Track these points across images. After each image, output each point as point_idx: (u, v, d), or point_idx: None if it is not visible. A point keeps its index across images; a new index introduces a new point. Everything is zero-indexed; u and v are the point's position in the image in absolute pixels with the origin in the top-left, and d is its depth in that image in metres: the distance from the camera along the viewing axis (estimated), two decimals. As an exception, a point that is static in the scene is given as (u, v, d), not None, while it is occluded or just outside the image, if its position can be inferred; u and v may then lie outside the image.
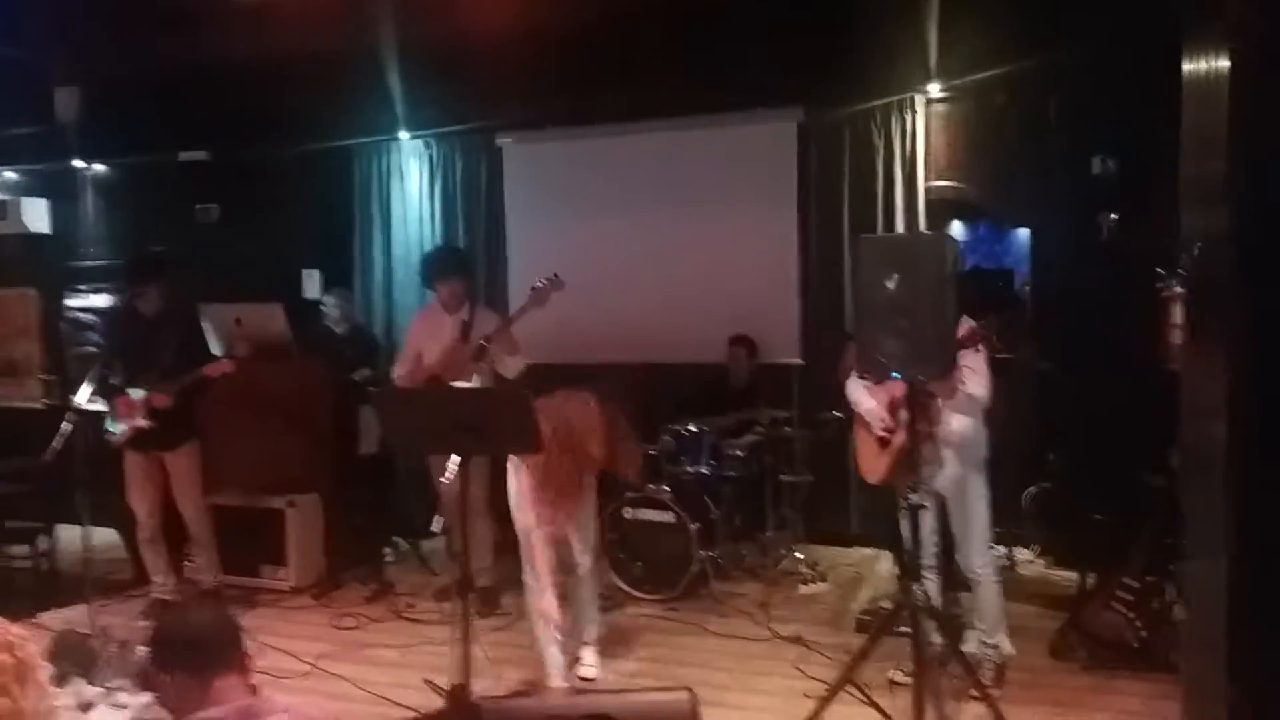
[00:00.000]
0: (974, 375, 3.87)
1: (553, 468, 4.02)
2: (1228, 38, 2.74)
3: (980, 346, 3.81)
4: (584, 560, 4.36)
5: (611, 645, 4.74)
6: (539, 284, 4.89)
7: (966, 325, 3.85)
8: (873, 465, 4.19)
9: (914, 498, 3.64)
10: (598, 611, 4.54)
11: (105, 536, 6.13)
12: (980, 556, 4.08)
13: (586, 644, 4.45)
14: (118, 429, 5.09)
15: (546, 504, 4.09)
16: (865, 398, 4.17)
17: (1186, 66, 3.13)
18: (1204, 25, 2.98)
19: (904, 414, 3.89)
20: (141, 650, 3.68)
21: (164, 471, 5.24)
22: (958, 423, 3.96)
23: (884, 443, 4.07)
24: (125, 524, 5.95)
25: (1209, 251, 2.80)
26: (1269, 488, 2.58)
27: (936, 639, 3.66)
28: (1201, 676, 2.79)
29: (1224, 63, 2.75)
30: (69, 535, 5.62)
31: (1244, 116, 2.67)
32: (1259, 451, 2.68)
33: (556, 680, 4.17)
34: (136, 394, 5.03)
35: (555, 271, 4.91)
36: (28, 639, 1.75)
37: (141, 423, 5.04)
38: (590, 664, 4.40)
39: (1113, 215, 4.95)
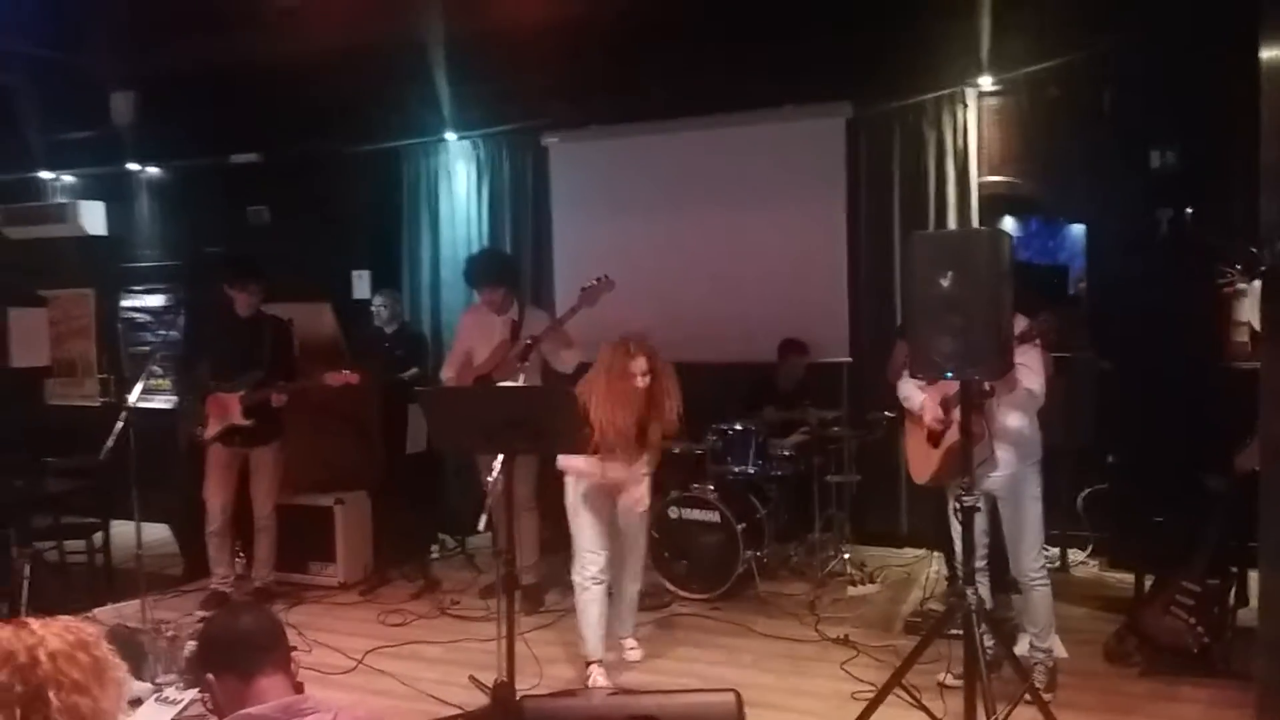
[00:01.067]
0: (1029, 372, 3.78)
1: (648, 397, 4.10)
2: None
3: (1037, 342, 3.72)
4: (634, 564, 4.40)
5: (656, 644, 4.72)
6: (590, 284, 4.87)
7: (1022, 322, 3.76)
8: (923, 465, 4.11)
9: (966, 498, 3.56)
10: (635, 610, 4.59)
11: (157, 532, 6.25)
12: (1032, 559, 3.98)
13: (625, 637, 4.51)
14: (210, 426, 5.22)
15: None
16: (917, 394, 4.09)
17: (1265, 54, 3.03)
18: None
19: (957, 412, 3.82)
20: (191, 646, 3.73)
21: (244, 467, 5.37)
22: (1014, 420, 3.87)
23: (935, 441, 3.98)
24: (177, 519, 6.06)
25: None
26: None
27: (989, 642, 3.58)
28: (1276, 682, 2.69)
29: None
30: (122, 531, 5.71)
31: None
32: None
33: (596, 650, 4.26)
34: (232, 394, 5.16)
35: (605, 273, 4.89)
36: (101, 637, 1.75)
37: (240, 421, 5.16)
38: (633, 647, 4.50)
39: (1171, 210, 4.82)
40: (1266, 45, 2.80)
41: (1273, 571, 2.72)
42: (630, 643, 4.55)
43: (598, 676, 4.21)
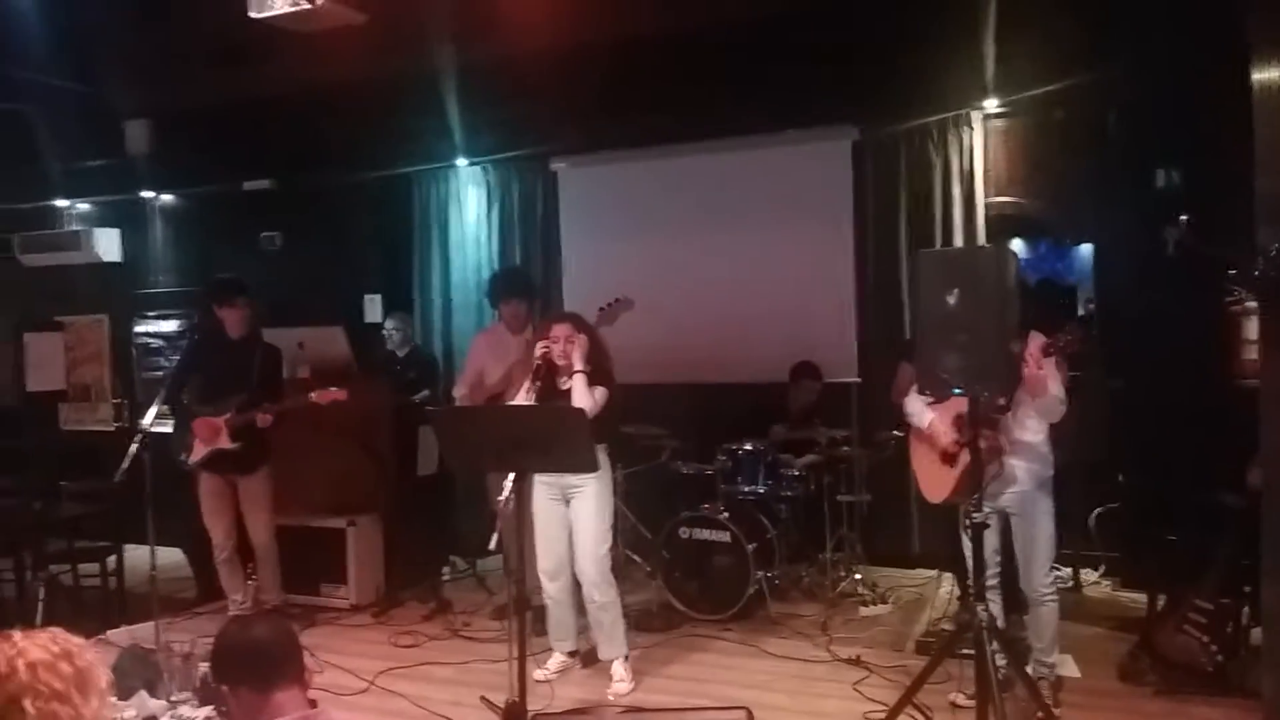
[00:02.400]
0: (1051, 380, 3.79)
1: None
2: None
3: (1058, 356, 3.73)
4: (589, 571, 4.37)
5: (667, 664, 4.71)
6: (607, 305, 4.89)
7: (1037, 340, 3.78)
8: (936, 485, 4.11)
9: (977, 515, 3.57)
10: (622, 630, 4.49)
11: (170, 556, 6.27)
12: (1043, 575, 3.98)
13: (612, 659, 4.45)
14: (196, 451, 5.21)
15: None
16: (925, 412, 4.10)
17: (1256, 77, 3.06)
18: (1272, 35, 2.91)
19: (970, 430, 3.83)
20: (205, 665, 3.74)
21: (236, 494, 5.36)
22: (1029, 435, 3.89)
23: (950, 460, 3.99)
24: (190, 544, 6.09)
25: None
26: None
27: (1001, 661, 3.57)
28: (1283, 699, 2.68)
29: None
30: (136, 555, 5.74)
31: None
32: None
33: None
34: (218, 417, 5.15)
35: (623, 293, 4.92)
36: (86, 647, 1.77)
37: (228, 444, 5.14)
38: (620, 679, 4.39)
39: (1173, 228, 4.84)
40: (1257, 69, 2.83)
41: (1275, 589, 2.71)
42: (617, 671, 4.43)
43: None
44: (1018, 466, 3.90)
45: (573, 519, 4.43)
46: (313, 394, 5.07)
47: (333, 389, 5.05)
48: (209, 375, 5.35)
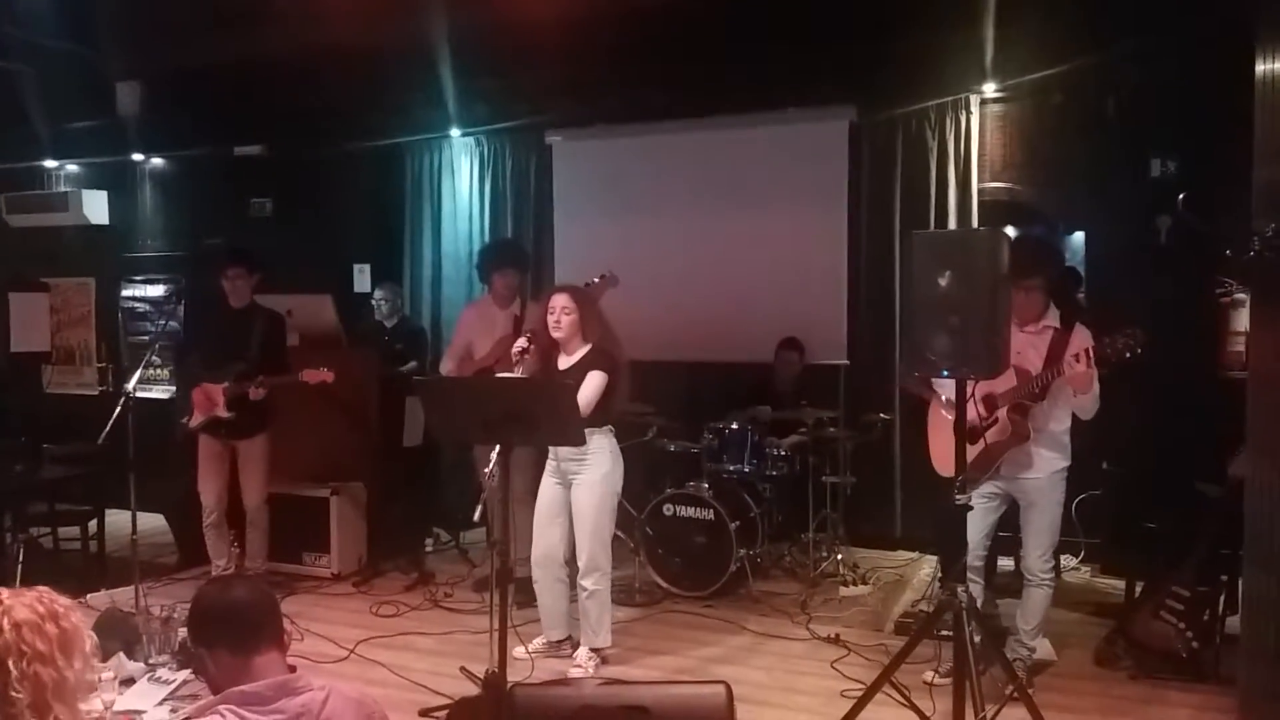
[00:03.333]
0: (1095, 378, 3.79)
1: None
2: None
3: (1121, 358, 3.65)
4: (581, 555, 4.34)
5: (648, 639, 4.73)
6: (593, 280, 4.86)
7: (1083, 335, 3.75)
8: (949, 458, 4.09)
9: (960, 498, 3.57)
10: (607, 624, 4.43)
11: (153, 521, 6.26)
12: (1045, 559, 4.00)
13: (594, 649, 4.42)
14: (195, 417, 5.20)
15: None
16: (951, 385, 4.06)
17: (1259, 68, 3.04)
18: (1275, 24, 2.89)
19: (1002, 412, 3.83)
20: (184, 629, 3.73)
21: (234, 459, 5.35)
22: (1057, 425, 3.90)
23: (975, 437, 3.93)
24: (173, 508, 6.07)
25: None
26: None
27: (978, 641, 3.59)
28: (1260, 687, 2.70)
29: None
30: (117, 520, 5.72)
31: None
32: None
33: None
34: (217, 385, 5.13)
35: (609, 269, 4.89)
36: (72, 608, 1.76)
37: (223, 413, 5.14)
38: (580, 662, 4.36)
39: (1165, 217, 4.83)
40: (1261, 59, 2.81)
41: (1257, 577, 2.73)
42: (582, 655, 4.38)
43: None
44: (1039, 455, 3.91)
45: (573, 504, 4.38)
46: (304, 373, 5.03)
47: (323, 369, 5.00)
48: (210, 344, 5.32)
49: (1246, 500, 2.80)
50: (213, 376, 5.17)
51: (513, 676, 3.69)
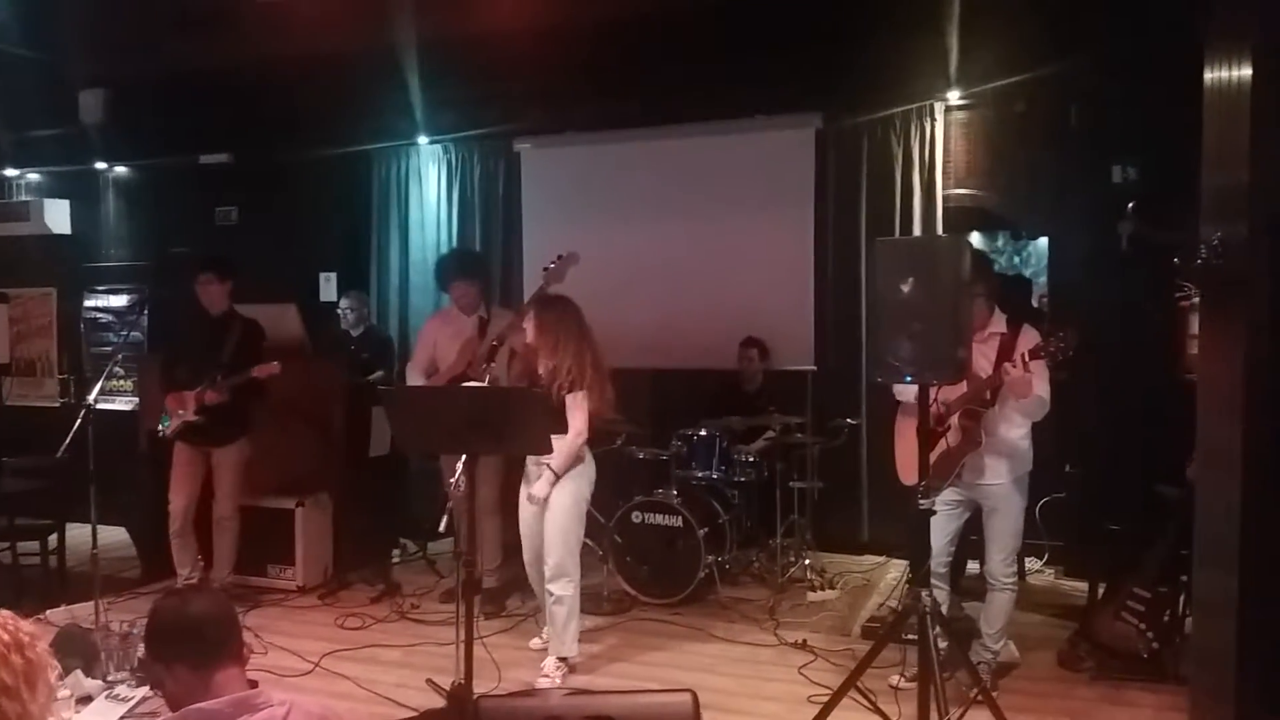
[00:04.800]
0: (1039, 380, 3.82)
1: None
2: (1252, 46, 2.69)
3: (1051, 360, 3.73)
4: (550, 564, 4.31)
5: (617, 649, 4.72)
6: (551, 263, 4.81)
7: (1030, 333, 3.79)
8: (914, 467, 4.12)
9: (923, 503, 3.60)
10: (573, 631, 4.39)
11: (115, 535, 6.18)
12: (1007, 563, 4.03)
13: (560, 657, 4.38)
14: (167, 424, 5.18)
15: None
16: (912, 388, 4.08)
17: (1208, 75, 3.08)
18: (1224, 34, 2.94)
19: (955, 418, 3.85)
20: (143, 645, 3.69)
21: (208, 466, 5.31)
22: (1013, 431, 3.92)
23: (934, 440, 3.96)
24: (135, 521, 5.99)
25: (1227, 254, 2.75)
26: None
27: (943, 645, 3.61)
28: (1209, 688, 2.74)
29: (1246, 72, 2.70)
30: (79, 534, 5.63)
31: (1267, 126, 2.63)
32: (1274, 459, 2.63)
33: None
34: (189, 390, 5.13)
35: (569, 249, 4.84)
36: (39, 637, 1.71)
37: (192, 417, 5.12)
38: (548, 673, 4.32)
39: (1126, 222, 4.89)
40: (1209, 67, 2.85)
41: (1207, 578, 2.77)
42: (549, 665, 4.33)
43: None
44: (997, 461, 3.93)
45: (546, 509, 4.37)
46: (254, 369, 5.03)
47: (272, 363, 5.03)
48: (186, 351, 5.31)
49: (1197, 502, 2.84)
50: (188, 383, 5.15)
51: (479, 688, 3.67)
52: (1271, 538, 2.57)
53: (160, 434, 5.24)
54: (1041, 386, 3.81)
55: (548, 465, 4.26)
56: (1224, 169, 2.73)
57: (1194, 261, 2.78)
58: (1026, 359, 3.65)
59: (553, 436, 4.22)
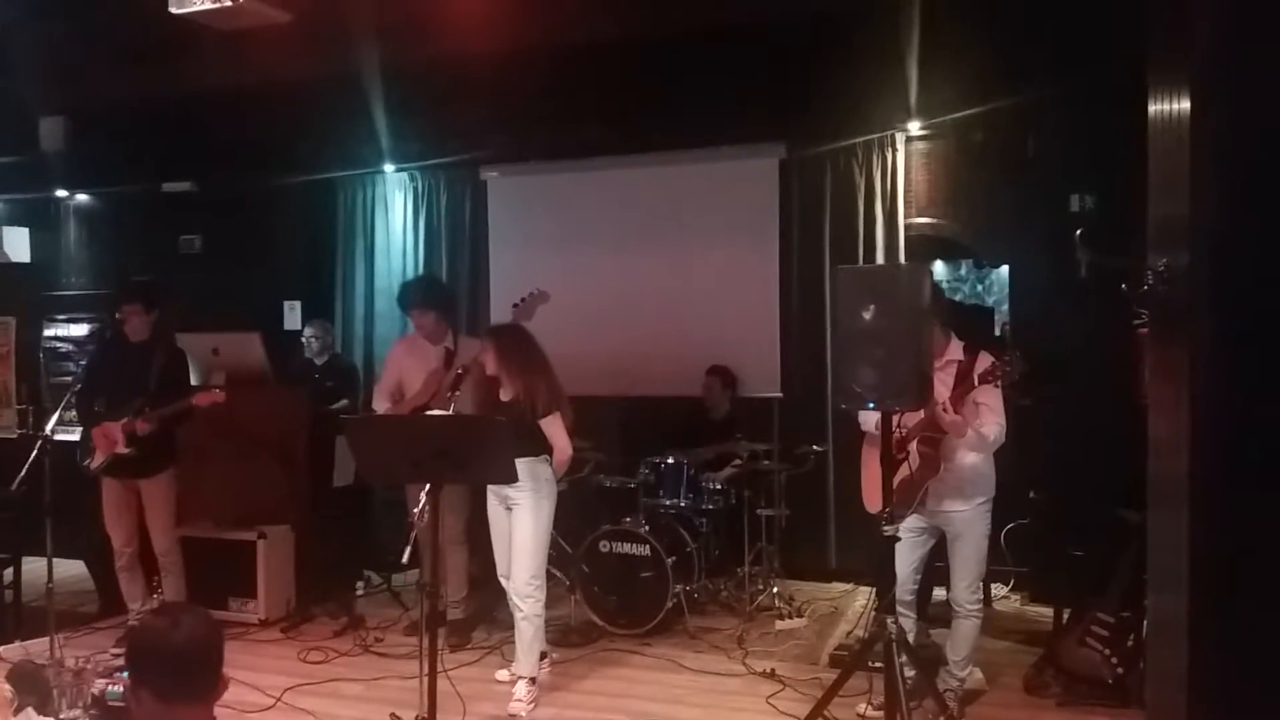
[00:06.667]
0: (990, 413, 3.85)
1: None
2: (1189, 80, 2.76)
3: (999, 383, 3.77)
4: (518, 581, 4.33)
5: (583, 679, 4.67)
6: (521, 300, 4.82)
7: (985, 359, 3.84)
8: (878, 495, 4.13)
9: (888, 529, 3.61)
10: (538, 650, 4.44)
11: (73, 568, 6.05)
12: (971, 590, 4.04)
13: (520, 676, 4.40)
14: (96, 458, 5.04)
15: None
16: (875, 418, 4.11)
17: (1151, 108, 3.16)
18: (1164, 67, 3.01)
19: (913, 444, 3.88)
20: (99, 681, 3.60)
21: (139, 499, 5.18)
22: (970, 458, 3.94)
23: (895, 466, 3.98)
24: (92, 555, 5.87)
25: (1172, 285, 2.80)
26: (1231, 522, 2.56)
27: (910, 673, 3.61)
28: (1164, 711, 2.76)
29: (1185, 105, 2.77)
30: (36, 567, 5.51)
31: (1205, 159, 2.69)
32: (1220, 486, 2.67)
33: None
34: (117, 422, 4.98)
35: (538, 287, 4.88)
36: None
37: (122, 450, 4.99)
38: (518, 698, 4.32)
39: (1084, 249, 4.96)
40: (1152, 100, 2.92)
41: (1161, 602, 2.80)
42: (520, 690, 4.34)
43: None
44: (959, 488, 3.95)
45: (511, 527, 4.42)
46: (196, 396, 4.92)
47: (214, 390, 4.94)
48: (111, 381, 5.16)
49: (1150, 526, 2.88)
50: (114, 415, 5.01)
51: (442, 721, 3.62)
52: (1220, 561, 2.60)
53: (86, 468, 5.08)
54: (989, 421, 3.84)
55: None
56: (1167, 199, 2.79)
57: (1140, 288, 2.83)
58: (949, 407, 3.72)
59: (541, 457, 4.34)
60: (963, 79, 5.82)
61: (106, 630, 5.37)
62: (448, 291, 5.90)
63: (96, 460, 5.05)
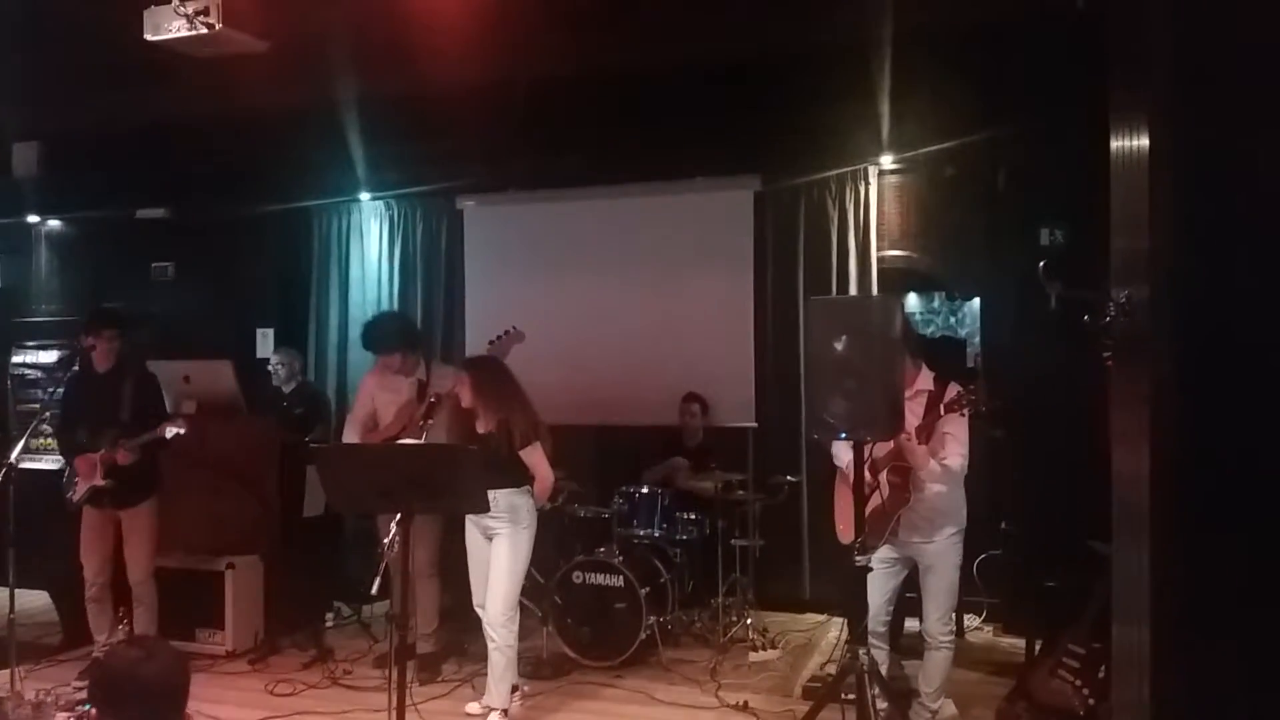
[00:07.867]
0: (954, 443, 3.88)
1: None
2: (1147, 117, 2.81)
3: (964, 412, 3.81)
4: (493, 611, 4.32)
5: (555, 713, 4.63)
6: (497, 337, 4.85)
7: (954, 389, 3.87)
8: (851, 523, 4.14)
9: (860, 559, 3.62)
10: (509, 681, 4.43)
11: (36, 599, 5.95)
12: (943, 621, 4.05)
13: (492, 709, 4.38)
14: (78, 490, 4.98)
15: None
16: (847, 453, 4.13)
17: (1113, 144, 3.21)
18: (1126, 105, 3.06)
19: (883, 475, 3.89)
20: (60, 716, 3.54)
21: (118, 529, 5.11)
22: (936, 488, 3.95)
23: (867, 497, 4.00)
24: (56, 585, 5.78)
25: (1133, 317, 2.83)
26: (1192, 552, 2.58)
27: (882, 705, 3.60)
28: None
29: (1144, 141, 2.82)
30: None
31: (1164, 193, 2.74)
32: (1181, 516, 2.69)
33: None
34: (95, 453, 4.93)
35: (514, 325, 4.89)
36: None
37: (100, 481, 4.93)
38: None
39: (1054, 282, 5.03)
40: (1114, 135, 2.98)
41: (1124, 632, 2.81)
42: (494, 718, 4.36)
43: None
44: (930, 519, 3.97)
45: (490, 556, 4.41)
46: (161, 426, 4.84)
47: (177, 420, 4.87)
48: (86, 412, 5.11)
49: (1114, 557, 2.90)
50: (92, 444, 4.96)
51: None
52: (1181, 591, 2.62)
53: (70, 499, 5.02)
54: (954, 451, 3.87)
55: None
56: (1128, 233, 2.83)
57: (1103, 320, 2.87)
58: (911, 435, 3.77)
59: (522, 488, 4.37)
60: (934, 115, 5.91)
61: (69, 663, 5.27)
62: (410, 328, 5.73)
63: (78, 492, 4.99)
